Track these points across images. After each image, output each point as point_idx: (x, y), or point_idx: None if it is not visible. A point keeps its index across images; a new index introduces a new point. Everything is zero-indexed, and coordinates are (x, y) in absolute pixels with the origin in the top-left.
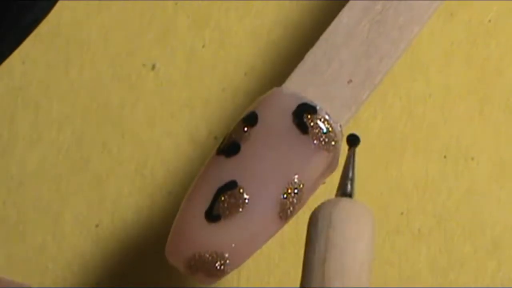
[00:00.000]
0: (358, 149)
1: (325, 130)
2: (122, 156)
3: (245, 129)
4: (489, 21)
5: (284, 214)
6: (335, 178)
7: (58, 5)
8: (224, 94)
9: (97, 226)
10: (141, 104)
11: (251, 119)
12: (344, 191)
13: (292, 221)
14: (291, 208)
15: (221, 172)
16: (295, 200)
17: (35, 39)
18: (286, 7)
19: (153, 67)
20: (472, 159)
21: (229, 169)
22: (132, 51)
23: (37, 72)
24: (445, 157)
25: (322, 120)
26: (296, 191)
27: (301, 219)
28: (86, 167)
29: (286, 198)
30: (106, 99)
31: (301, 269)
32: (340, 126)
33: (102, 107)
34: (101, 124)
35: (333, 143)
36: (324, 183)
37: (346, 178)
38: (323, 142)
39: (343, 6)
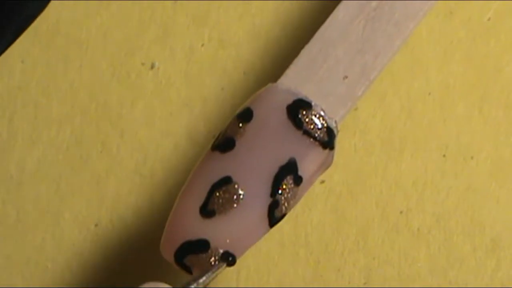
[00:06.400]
0: (358, 148)
1: (320, 126)
2: (121, 155)
3: (240, 125)
4: (489, 19)
5: (279, 210)
6: (334, 176)
7: (57, 4)
8: (223, 93)
9: (96, 225)
10: (140, 103)
11: (246, 115)
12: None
13: (291, 221)
14: (286, 204)
15: (216, 168)
16: (290, 196)
17: (34, 38)
18: (285, 6)
19: (152, 66)
20: (472, 157)
21: (224, 165)
22: (131, 50)
23: (36, 71)
24: (444, 156)
25: (317, 116)
26: (291, 187)
27: (300, 218)
28: (85, 167)
29: (281, 194)
30: (105, 98)
31: (300, 269)
32: (335, 122)
33: (101, 106)
34: (100, 123)
35: (328, 139)
36: (323, 181)
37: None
38: (318, 138)
39: None
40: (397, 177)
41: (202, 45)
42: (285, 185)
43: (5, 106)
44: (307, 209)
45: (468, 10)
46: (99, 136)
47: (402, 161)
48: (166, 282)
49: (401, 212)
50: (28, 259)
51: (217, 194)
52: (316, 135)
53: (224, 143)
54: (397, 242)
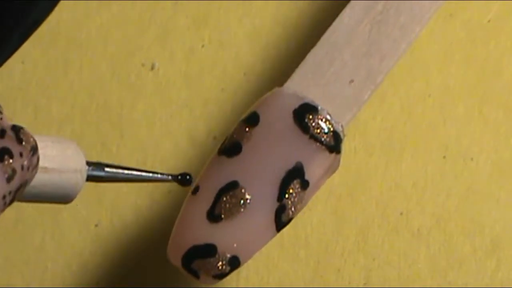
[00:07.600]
0: (359, 149)
1: (326, 130)
2: (121, 155)
3: (247, 129)
4: (489, 21)
5: (286, 214)
6: (334, 178)
7: (57, 5)
8: (223, 94)
9: (96, 225)
10: (140, 104)
11: (252, 119)
12: None
13: (292, 222)
14: (293, 209)
15: (222, 172)
16: (296, 200)
17: (34, 39)
18: (285, 7)
19: (153, 67)
20: (472, 159)
21: (231, 169)
22: (131, 51)
23: (37, 72)
24: (444, 157)
25: (324, 120)
26: (298, 191)
27: (300, 219)
28: None
29: (288, 198)
30: (105, 99)
31: (300, 269)
32: (342, 126)
33: (101, 107)
34: (100, 124)
35: (334, 143)
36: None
37: None
38: (324, 142)
39: (342, 6)
40: (397, 178)
41: (202, 46)
42: (292, 189)
43: (6, 106)
44: (307, 210)
45: (468, 12)
46: (99, 136)
47: (402, 162)
48: (166, 282)
49: (401, 213)
50: (27, 259)
51: (224, 198)
52: (323, 139)
53: (230, 148)
54: (397, 243)
